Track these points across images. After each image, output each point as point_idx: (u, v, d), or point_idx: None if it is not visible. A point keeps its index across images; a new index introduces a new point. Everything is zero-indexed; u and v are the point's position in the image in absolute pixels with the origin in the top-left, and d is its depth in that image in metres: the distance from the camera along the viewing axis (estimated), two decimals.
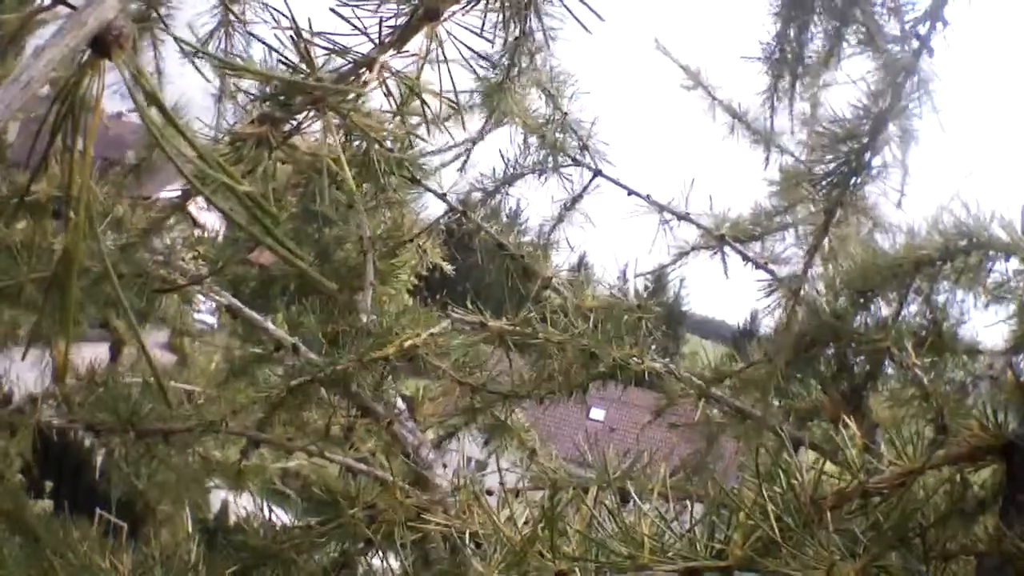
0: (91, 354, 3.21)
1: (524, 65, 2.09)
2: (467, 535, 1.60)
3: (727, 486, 1.21)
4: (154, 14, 2.62)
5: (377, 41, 1.23)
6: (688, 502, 2.08)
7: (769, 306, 2.39)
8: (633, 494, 1.31)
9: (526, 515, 1.36)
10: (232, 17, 2.92)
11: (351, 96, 1.27)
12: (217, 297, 2.68)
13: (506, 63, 2.02)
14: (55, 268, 0.89)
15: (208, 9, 2.99)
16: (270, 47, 1.23)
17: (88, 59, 0.84)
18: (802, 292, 2.14)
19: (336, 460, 2.22)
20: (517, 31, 1.41)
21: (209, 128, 3.11)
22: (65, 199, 0.89)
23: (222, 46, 3.05)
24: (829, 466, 1.21)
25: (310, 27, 1.21)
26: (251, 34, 3.01)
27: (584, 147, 2.95)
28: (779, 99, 2.54)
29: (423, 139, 2.18)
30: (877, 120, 1.85)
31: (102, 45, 0.83)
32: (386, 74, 1.26)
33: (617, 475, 1.96)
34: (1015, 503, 1.16)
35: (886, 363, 2.30)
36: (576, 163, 2.97)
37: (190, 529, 3.21)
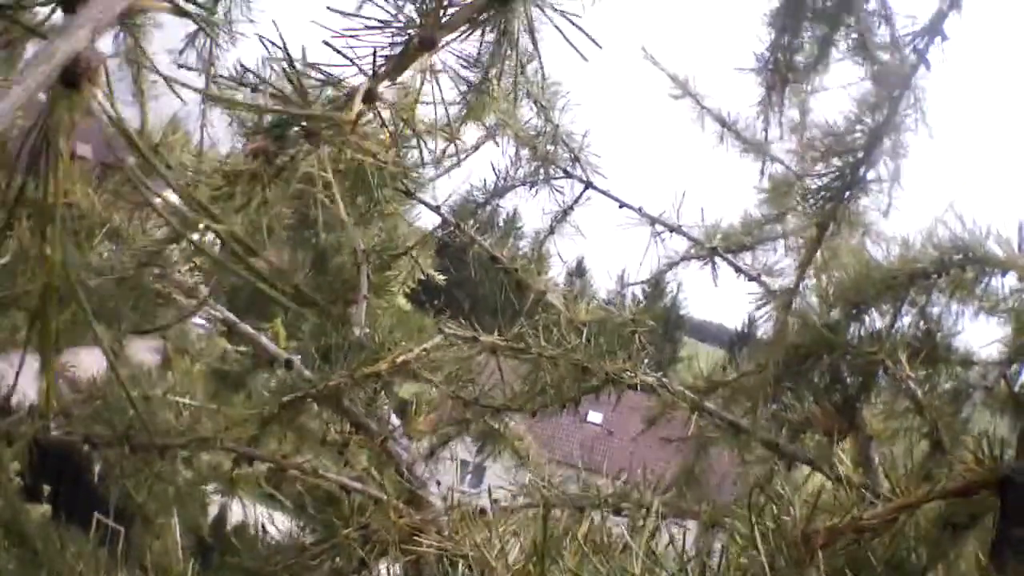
0: (90, 360, 3.20)
1: (516, 73, 2.08)
2: (461, 564, 1.60)
3: (722, 499, 1.21)
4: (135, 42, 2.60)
5: (371, 71, 1.22)
6: (683, 520, 2.09)
7: (761, 318, 2.39)
8: (625, 522, 1.30)
9: (519, 545, 1.36)
10: (213, 34, 2.91)
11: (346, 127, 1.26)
12: (213, 311, 2.67)
13: (487, 70, 2.01)
14: (35, 301, 0.89)
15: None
16: (261, 79, 1.23)
17: (58, 93, 0.83)
18: (793, 305, 2.14)
19: (330, 478, 2.21)
20: (510, 48, 1.41)
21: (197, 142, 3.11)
22: (40, 235, 0.88)
23: (206, 49, 3.04)
24: (819, 480, 1.20)
25: (303, 56, 1.21)
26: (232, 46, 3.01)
27: (575, 159, 2.95)
28: (772, 109, 2.54)
29: (414, 173, 2.18)
30: (873, 134, 1.84)
31: (71, 79, 0.82)
32: (380, 105, 1.26)
33: (611, 493, 1.97)
34: (1007, 538, 1.15)
35: (880, 375, 2.29)
36: (567, 175, 2.97)
37: (179, 540, 3.20)
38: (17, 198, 1.02)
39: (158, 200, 0.94)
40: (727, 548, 1.14)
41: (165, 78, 1.12)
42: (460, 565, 1.56)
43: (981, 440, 1.20)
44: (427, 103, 1.31)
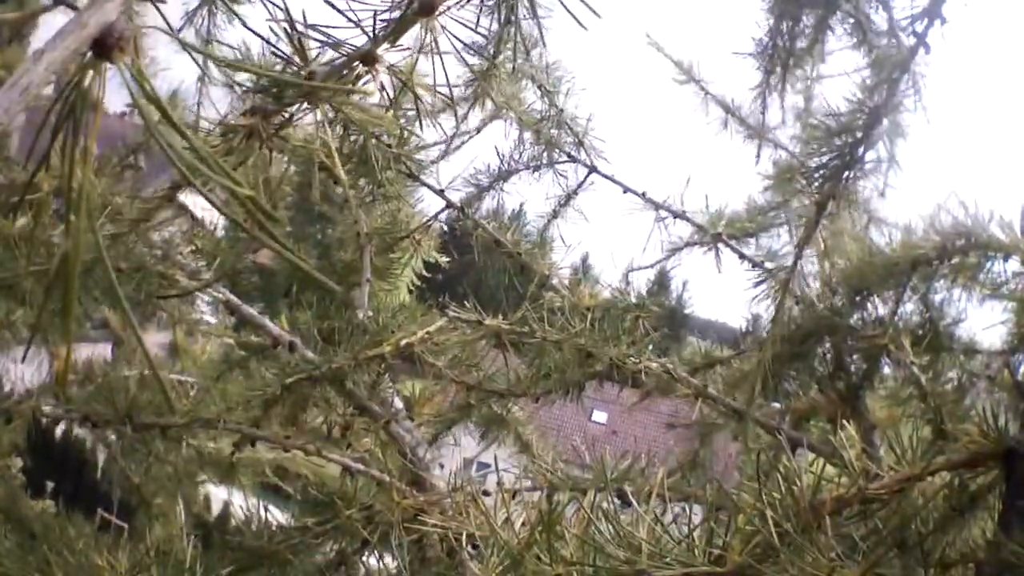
0: (92, 353, 3.20)
1: (511, 53, 2.09)
2: (464, 537, 1.60)
3: (727, 485, 1.21)
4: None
5: (371, 34, 1.22)
6: (687, 503, 2.09)
7: (757, 296, 2.39)
8: (631, 497, 1.30)
9: (523, 518, 1.36)
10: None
11: (344, 89, 1.26)
12: (216, 294, 2.67)
13: (493, 49, 2.00)
14: (56, 269, 0.88)
15: None
16: (263, 39, 1.23)
17: (89, 61, 0.83)
18: (791, 284, 2.14)
19: (333, 459, 2.21)
20: (510, 15, 1.40)
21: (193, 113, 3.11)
22: (65, 199, 0.88)
23: (205, 24, 3.04)
24: (828, 469, 1.21)
25: (304, 19, 1.20)
26: (234, 12, 3.00)
27: (579, 144, 2.95)
28: (770, 94, 2.54)
29: (416, 134, 2.17)
30: (871, 115, 1.84)
31: (103, 48, 0.82)
32: (380, 68, 1.26)
33: (615, 476, 1.96)
34: (1014, 510, 1.16)
35: (883, 362, 2.30)
36: (571, 160, 2.97)
37: (183, 524, 3.20)
38: (36, 171, 1.03)
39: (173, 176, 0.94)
40: (733, 516, 1.14)
41: (184, 44, 1.12)
42: (464, 541, 1.56)
43: (985, 414, 1.20)
44: (427, 67, 1.30)
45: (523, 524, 1.35)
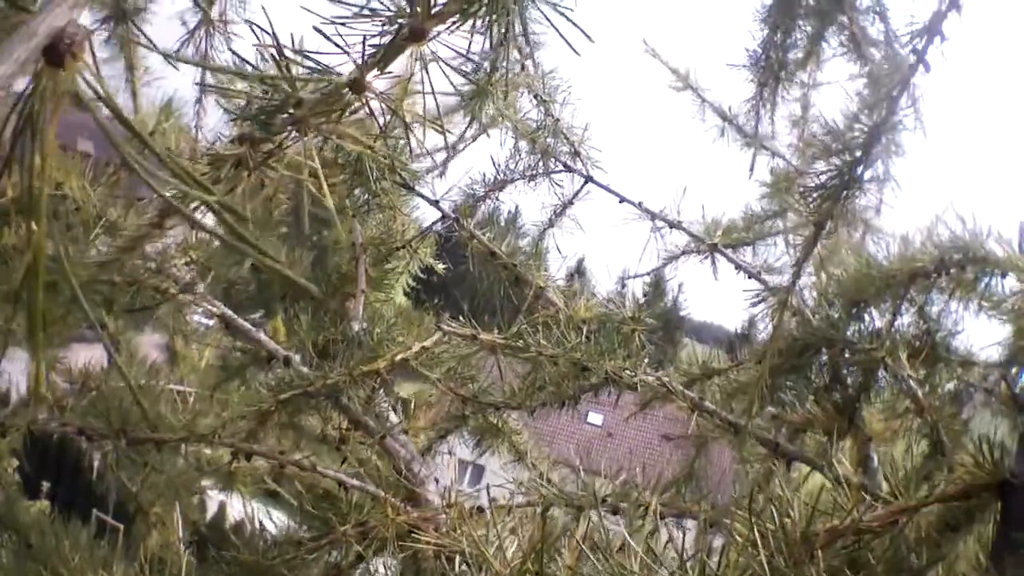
0: (88, 355, 3.19)
1: (507, 68, 2.08)
2: (457, 557, 1.59)
3: (722, 498, 1.20)
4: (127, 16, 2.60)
5: (360, 61, 1.21)
6: (681, 518, 2.09)
7: (758, 315, 2.39)
8: (623, 521, 1.30)
9: (516, 542, 1.36)
10: (211, 18, 2.91)
11: (333, 115, 1.25)
12: (210, 307, 2.66)
13: (488, 69, 2.00)
14: (20, 281, 0.88)
15: (190, 7, 2.98)
16: (251, 64, 1.22)
17: (41, 70, 0.82)
18: (790, 302, 2.13)
19: (328, 475, 2.21)
20: (502, 40, 1.39)
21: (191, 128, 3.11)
22: (25, 211, 0.87)
23: (204, 44, 3.05)
24: (819, 480, 1.20)
25: (293, 45, 1.19)
26: (232, 34, 3.01)
27: (575, 153, 2.94)
28: (764, 105, 2.54)
29: (409, 161, 2.16)
30: (870, 134, 1.83)
31: (54, 56, 0.80)
32: (369, 95, 1.25)
33: (608, 493, 1.96)
34: (1007, 541, 1.15)
35: (880, 375, 2.29)
36: (567, 169, 2.96)
37: (180, 534, 3.19)
38: None
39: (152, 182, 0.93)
40: (727, 548, 1.14)
41: (163, 54, 1.11)
42: (457, 561, 1.56)
43: (981, 443, 1.19)
44: (417, 92, 1.29)
45: (516, 548, 1.34)
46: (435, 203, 2.68)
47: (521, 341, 2.20)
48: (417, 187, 2.66)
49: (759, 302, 2.26)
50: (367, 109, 1.25)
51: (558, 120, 2.92)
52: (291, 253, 2.66)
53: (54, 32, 0.80)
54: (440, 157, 2.90)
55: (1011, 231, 2.04)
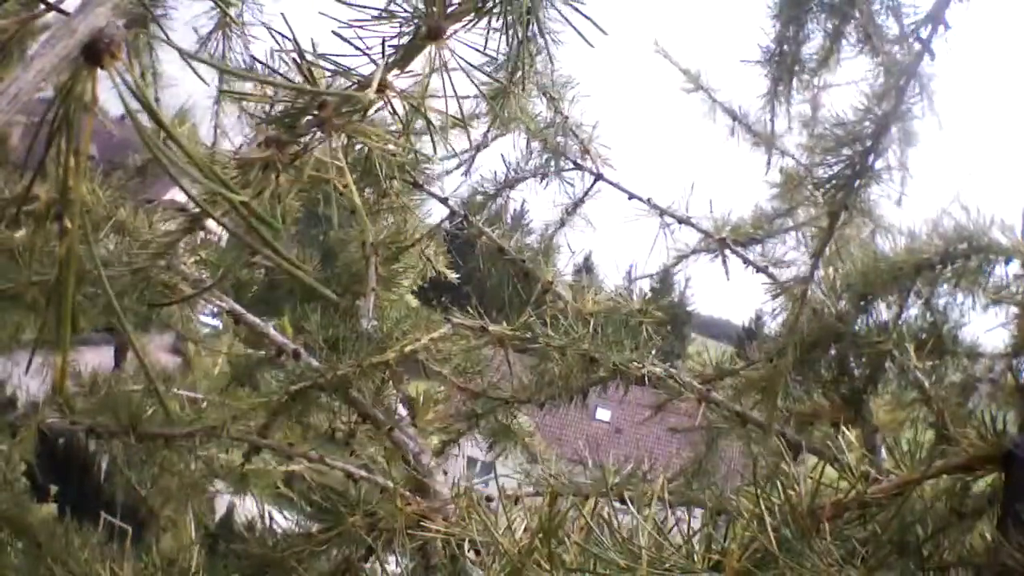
0: (95, 359, 3.20)
1: (527, 69, 2.09)
2: (466, 543, 1.60)
3: (730, 490, 1.21)
4: (151, 17, 2.62)
5: (380, 61, 1.23)
6: (687, 508, 2.09)
7: (774, 310, 2.39)
8: (631, 506, 1.30)
9: (524, 524, 1.36)
10: (229, 20, 2.93)
11: (356, 115, 1.27)
12: (219, 302, 2.67)
13: (509, 68, 2.01)
14: (54, 276, 0.89)
15: (206, 11, 3.00)
16: (273, 70, 1.23)
17: (80, 67, 0.84)
18: (807, 295, 2.13)
19: (337, 467, 2.22)
20: (519, 37, 1.41)
21: (209, 133, 3.13)
22: (61, 206, 0.88)
23: (220, 48, 3.06)
24: (828, 472, 1.21)
25: (313, 48, 1.21)
26: (251, 36, 3.02)
27: (585, 151, 2.95)
28: (778, 102, 2.54)
29: (427, 157, 2.17)
30: (880, 123, 1.84)
31: (93, 53, 0.82)
32: (390, 94, 1.26)
33: (616, 481, 1.97)
34: (1012, 513, 1.15)
35: (887, 366, 2.29)
36: (577, 167, 2.97)
37: (193, 535, 3.20)
38: (33, 178, 1.03)
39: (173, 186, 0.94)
40: (733, 522, 1.14)
41: (183, 54, 1.12)
42: (466, 547, 1.56)
43: (983, 417, 1.20)
44: (438, 96, 1.31)
45: (525, 530, 1.35)
46: (444, 200, 2.69)
47: (529, 332, 2.21)
48: (427, 186, 2.68)
49: (778, 295, 2.26)
50: (390, 108, 1.27)
51: (568, 118, 2.93)
52: (301, 252, 2.68)
53: (94, 31, 0.82)
54: (464, 156, 2.91)
55: (1015, 219, 2.05)
